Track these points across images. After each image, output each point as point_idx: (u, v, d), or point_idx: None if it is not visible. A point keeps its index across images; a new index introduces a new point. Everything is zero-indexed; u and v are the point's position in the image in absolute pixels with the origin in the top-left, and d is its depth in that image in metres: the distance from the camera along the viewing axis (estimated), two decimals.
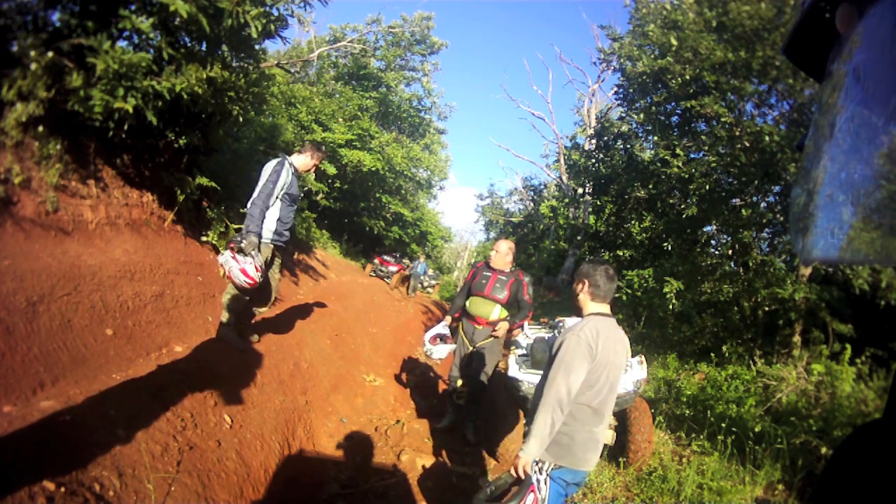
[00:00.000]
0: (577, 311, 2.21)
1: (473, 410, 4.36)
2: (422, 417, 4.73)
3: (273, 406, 3.38)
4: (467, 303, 4.22)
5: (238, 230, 3.86)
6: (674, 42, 7.21)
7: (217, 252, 5.03)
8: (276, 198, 3.58)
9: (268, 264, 3.70)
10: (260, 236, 3.49)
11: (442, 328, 4.24)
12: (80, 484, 1.82)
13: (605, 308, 2.07)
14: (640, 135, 9.67)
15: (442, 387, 6.10)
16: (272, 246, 3.68)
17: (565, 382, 1.87)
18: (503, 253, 4.11)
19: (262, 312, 3.99)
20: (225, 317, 3.70)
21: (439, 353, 4.18)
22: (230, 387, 3.16)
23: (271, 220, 3.61)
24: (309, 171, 3.92)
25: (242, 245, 3.39)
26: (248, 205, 3.51)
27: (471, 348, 4.19)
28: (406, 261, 15.45)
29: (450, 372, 4.37)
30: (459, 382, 4.22)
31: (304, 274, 8.95)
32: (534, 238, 23.94)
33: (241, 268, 3.32)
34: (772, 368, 5.55)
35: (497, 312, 4.11)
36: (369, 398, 4.99)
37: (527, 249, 23.36)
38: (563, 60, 34.52)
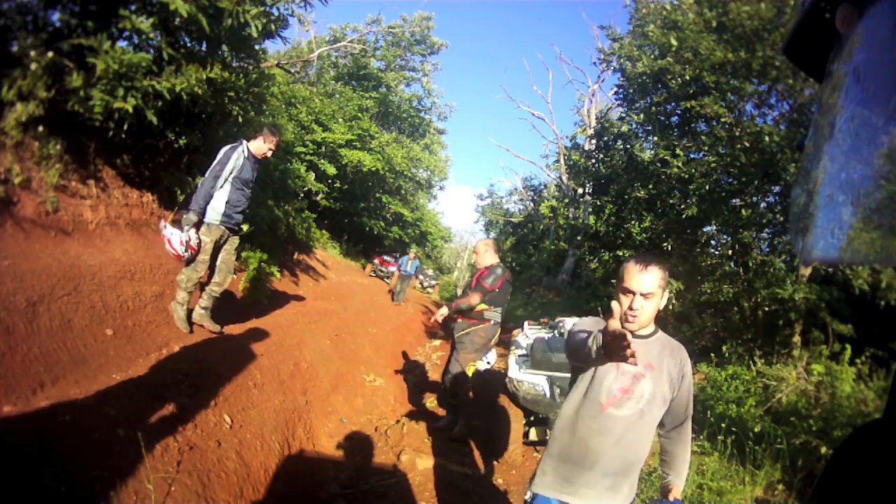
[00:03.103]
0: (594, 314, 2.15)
1: (456, 403, 4.28)
2: (422, 417, 4.73)
3: (273, 406, 3.38)
4: None
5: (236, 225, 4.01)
6: (674, 42, 7.20)
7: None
8: (226, 180, 3.74)
9: (219, 245, 3.86)
10: (200, 215, 3.65)
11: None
12: (80, 484, 1.82)
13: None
14: (640, 135, 9.65)
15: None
16: (223, 228, 3.83)
17: None
18: (480, 253, 4.19)
19: (217, 293, 4.01)
20: (180, 296, 3.79)
21: (490, 359, 4.71)
22: (230, 387, 3.17)
23: (220, 203, 3.76)
24: (264, 155, 4.01)
25: (182, 220, 3.58)
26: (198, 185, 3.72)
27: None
28: None
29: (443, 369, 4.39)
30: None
31: (304, 274, 8.95)
32: (534, 238, 23.96)
33: (167, 237, 3.50)
34: (772, 368, 5.54)
35: None
36: (369, 398, 4.99)
37: (527, 249, 23.37)
38: (563, 61, 34.58)
